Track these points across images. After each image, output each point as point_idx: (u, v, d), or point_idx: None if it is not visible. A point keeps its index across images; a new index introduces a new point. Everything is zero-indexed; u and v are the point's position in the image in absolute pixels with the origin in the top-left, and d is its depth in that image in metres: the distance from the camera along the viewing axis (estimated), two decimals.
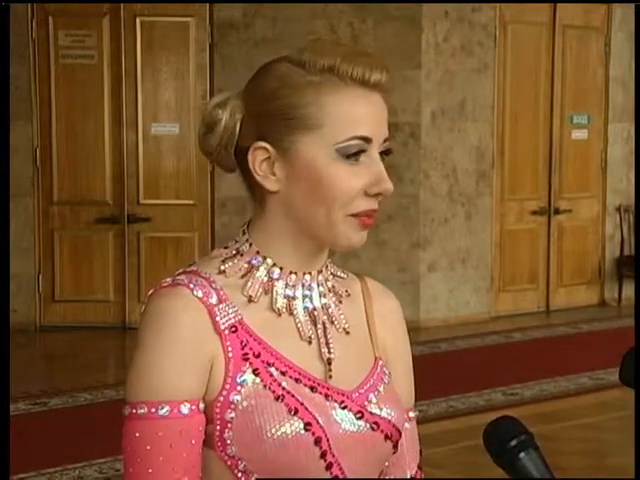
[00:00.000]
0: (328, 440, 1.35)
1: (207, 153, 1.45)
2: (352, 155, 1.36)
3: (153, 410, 1.32)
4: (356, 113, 1.37)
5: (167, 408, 1.32)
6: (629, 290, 9.58)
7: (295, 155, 1.37)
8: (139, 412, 1.32)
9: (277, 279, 1.41)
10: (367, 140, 1.37)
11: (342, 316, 1.46)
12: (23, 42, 8.20)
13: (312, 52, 1.38)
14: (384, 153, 1.40)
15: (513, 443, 1.29)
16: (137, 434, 1.32)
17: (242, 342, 1.37)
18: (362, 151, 1.37)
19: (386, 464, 1.48)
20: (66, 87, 8.34)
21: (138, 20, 8.34)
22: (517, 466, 1.28)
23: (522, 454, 1.29)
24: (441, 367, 7.18)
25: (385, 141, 1.40)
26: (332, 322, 1.44)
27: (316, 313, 1.43)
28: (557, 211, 9.43)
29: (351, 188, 1.36)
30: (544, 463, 1.29)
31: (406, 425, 1.51)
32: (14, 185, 7.77)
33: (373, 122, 1.38)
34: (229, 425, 1.33)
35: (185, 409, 1.32)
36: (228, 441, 1.33)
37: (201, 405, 1.34)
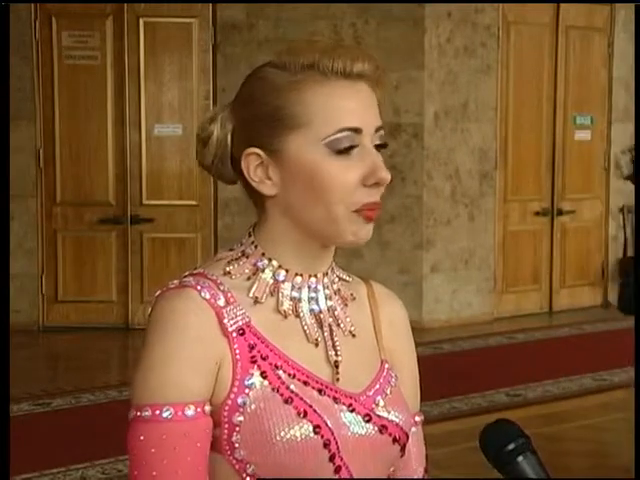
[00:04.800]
0: (337, 443, 1.34)
1: (206, 168, 1.45)
2: (343, 150, 1.35)
3: (157, 412, 1.30)
4: (341, 105, 1.36)
5: (171, 410, 1.30)
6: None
7: (286, 156, 1.37)
8: (143, 415, 1.31)
9: (283, 281, 1.41)
10: (356, 131, 1.36)
11: (348, 319, 1.45)
12: (26, 43, 8.19)
13: (291, 53, 1.37)
14: (380, 147, 1.39)
15: (511, 447, 1.28)
16: (141, 437, 1.31)
17: (250, 345, 1.36)
18: (353, 146, 1.35)
19: (392, 469, 1.47)
20: (69, 88, 8.33)
21: (141, 21, 8.34)
22: (515, 470, 1.27)
23: (520, 458, 1.27)
24: (444, 368, 7.17)
25: (378, 130, 1.39)
26: (338, 325, 1.44)
27: (322, 315, 1.42)
28: (560, 212, 9.41)
29: (346, 182, 1.35)
30: (542, 467, 1.28)
31: (413, 429, 1.51)
32: (17, 186, 7.77)
33: (360, 112, 1.37)
34: (237, 428, 1.32)
35: (190, 411, 1.31)
36: (236, 444, 1.32)
37: (207, 407, 1.33)
